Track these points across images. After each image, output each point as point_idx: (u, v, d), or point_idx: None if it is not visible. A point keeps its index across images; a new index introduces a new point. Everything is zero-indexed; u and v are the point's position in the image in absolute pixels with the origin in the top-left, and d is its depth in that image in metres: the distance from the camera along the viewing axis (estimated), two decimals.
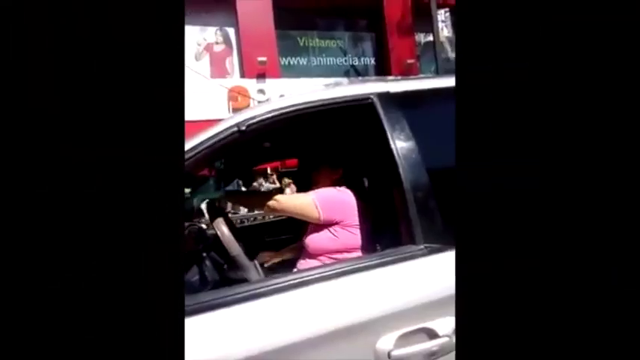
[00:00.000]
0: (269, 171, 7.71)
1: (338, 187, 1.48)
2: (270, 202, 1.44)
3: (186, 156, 1.08)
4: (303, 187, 1.67)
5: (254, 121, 1.16)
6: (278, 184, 7.51)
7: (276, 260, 1.84)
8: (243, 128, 1.14)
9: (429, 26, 8.94)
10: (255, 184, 7.20)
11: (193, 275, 1.51)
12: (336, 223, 1.40)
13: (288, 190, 6.43)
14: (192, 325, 0.89)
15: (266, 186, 7.39)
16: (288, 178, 7.57)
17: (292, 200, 1.51)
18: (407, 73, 9.89)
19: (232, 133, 1.14)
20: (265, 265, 1.75)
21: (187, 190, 1.60)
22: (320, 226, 1.42)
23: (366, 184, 1.60)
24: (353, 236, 1.40)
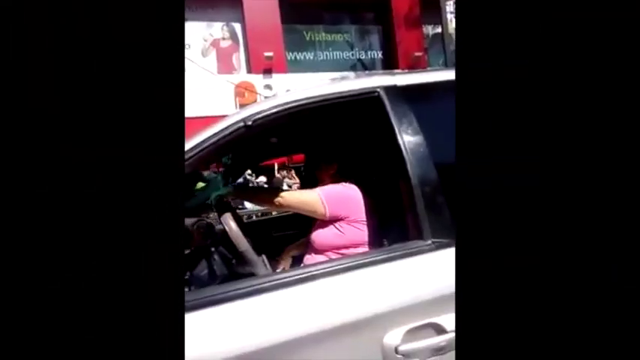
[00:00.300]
0: (276, 166, 7.72)
1: (344, 183, 1.47)
2: (277, 198, 1.44)
3: (193, 152, 1.08)
4: (308, 182, 1.67)
5: (260, 116, 1.16)
6: (297, 179, 7.50)
7: (288, 262, 1.83)
8: (250, 123, 1.14)
9: (437, 18, 8.81)
10: (278, 176, 7.23)
11: (202, 270, 1.52)
12: (342, 219, 1.39)
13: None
14: (198, 319, 0.90)
15: (286, 181, 7.41)
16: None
17: (298, 196, 1.51)
18: (415, 66, 9.79)
19: (238, 129, 1.14)
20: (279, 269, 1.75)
21: (201, 185, 1.61)
22: (326, 221, 1.41)
23: (373, 179, 1.58)
24: (359, 232, 1.39)
